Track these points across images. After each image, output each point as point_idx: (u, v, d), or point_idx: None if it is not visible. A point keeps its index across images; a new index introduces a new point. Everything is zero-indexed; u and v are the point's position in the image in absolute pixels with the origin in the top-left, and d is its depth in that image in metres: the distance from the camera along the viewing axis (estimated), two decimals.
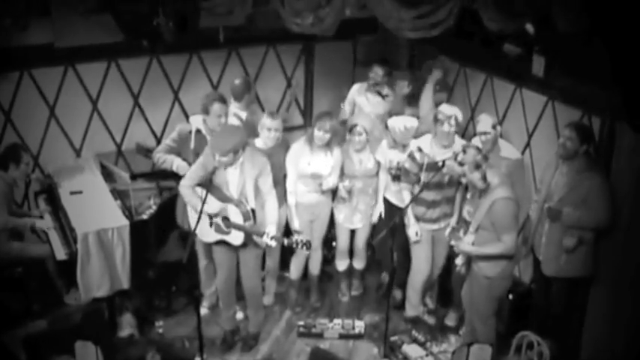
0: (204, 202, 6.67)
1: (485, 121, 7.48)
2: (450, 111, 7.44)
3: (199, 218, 6.60)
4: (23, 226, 7.85)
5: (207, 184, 6.79)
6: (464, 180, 7.04)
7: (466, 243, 6.91)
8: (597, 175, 6.76)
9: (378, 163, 8.01)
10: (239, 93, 8.31)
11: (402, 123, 7.83)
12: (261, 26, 8.55)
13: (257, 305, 7.81)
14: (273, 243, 6.94)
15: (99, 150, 8.99)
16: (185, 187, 7.12)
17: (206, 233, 7.26)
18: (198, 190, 7.10)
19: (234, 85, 8.38)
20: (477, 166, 6.66)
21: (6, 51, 7.76)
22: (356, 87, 9.11)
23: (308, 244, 6.95)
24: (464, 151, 6.81)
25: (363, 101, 8.91)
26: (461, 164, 6.78)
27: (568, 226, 6.85)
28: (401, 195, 7.83)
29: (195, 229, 6.56)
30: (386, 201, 8.17)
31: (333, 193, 8.16)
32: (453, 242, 7.16)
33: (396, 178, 7.91)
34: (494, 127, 7.44)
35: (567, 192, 6.88)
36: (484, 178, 6.66)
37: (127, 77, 8.94)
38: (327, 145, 7.83)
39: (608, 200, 6.69)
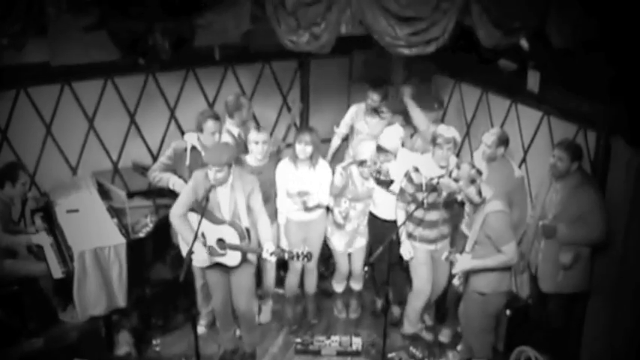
0: (198, 227, 6.64)
1: (489, 135, 7.51)
2: (449, 133, 7.42)
3: (194, 241, 6.57)
4: (19, 243, 7.82)
5: (203, 210, 6.74)
6: (459, 197, 7.06)
7: (464, 261, 6.90)
8: (591, 190, 6.78)
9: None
10: (231, 110, 8.31)
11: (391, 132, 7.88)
12: (257, 44, 8.57)
13: (251, 325, 7.74)
14: (273, 258, 6.94)
15: (95, 168, 9.00)
16: (176, 217, 7.03)
17: (199, 258, 7.17)
18: (191, 216, 7.06)
19: (226, 101, 8.40)
20: (472, 181, 6.67)
21: (2, 69, 7.78)
22: (353, 110, 9.13)
23: (309, 256, 6.86)
24: (458, 167, 6.83)
25: (362, 126, 8.95)
26: (456, 180, 6.80)
27: (563, 243, 6.86)
28: (394, 211, 7.83)
29: (190, 249, 6.52)
30: (378, 218, 8.15)
31: (327, 210, 8.11)
32: (454, 269, 7.11)
33: (377, 182, 7.92)
34: (498, 142, 7.45)
35: (562, 209, 6.89)
36: (479, 192, 6.67)
37: (123, 95, 8.96)
38: (311, 160, 7.82)
39: (602, 215, 6.70)
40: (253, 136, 7.71)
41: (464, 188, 6.73)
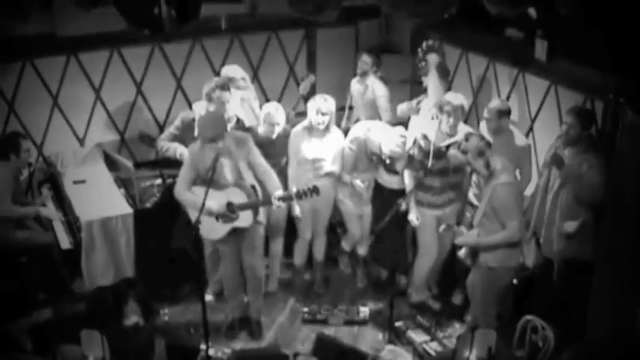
0: (205, 199, 6.65)
1: (488, 109, 7.49)
2: (457, 101, 7.41)
3: (202, 210, 6.59)
4: (27, 214, 7.83)
5: (210, 180, 6.74)
6: (469, 168, 7.06)
7: (466, 235, 6.91)
8: (596, 155, 6.77)
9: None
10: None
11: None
12: (264, 13, 8.54)
13: (259, 290, 7.80)
14: (283, 204, 7.01)
15: (102, 139, 9.02)
16: (181, 194, 7.07)
17: (212, 230, 7.19)
18: (196, 189, 7.06)
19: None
20: (480, 153, 6.65)
21: (8, 41, 7.76)
22: (353, 81, 9.19)
23: (316, 190, 6.97)
24: (466, 139, 6.81)
25: (356, 94, 9.04)
26: (464, 152, 6.78)
27: (565, 180, 6.84)
28: (403, 179, 7.83)
29: (198, 218, 6.53)
30: (384, 188, 8.15)
31: (337, 178, 8.11)
32: (457, 240, 7.14)
33: (385, 168, 7.98)
34: (498, 114, 7.43)
35: (567, 174, 6.89)
36: (487, 165, 6.66)
37: (129, 65, 8.95)
38: (326, 128, 7.82)
39: (601, 178, 6.68)
40: (271, 116, 7.70)
41: (472, 161, 6.71)
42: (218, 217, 7.06)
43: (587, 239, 6.99)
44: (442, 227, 7.28)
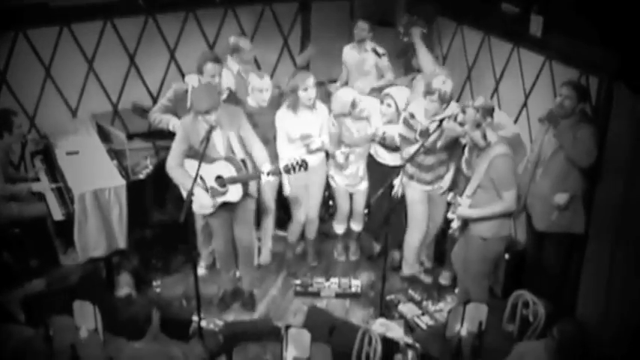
0: (198, 170, 6.63)
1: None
2: (447, 87, 7.31)
3: (194, 183, 6.55)
4: (19, 192, 7.78)
5: (203, 152, 6.73)
6: (464, 140, 7.05)
7: (465, 207, 6.92)
8: (591, 126, 6.78)
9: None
10: (231, 49, 8.39)
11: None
12: None
13: (250, 263, 7.82)
14: (271, 178, 6.97)
15: (95, 110, 9.00)
16: (173, 168, 7.05)
17: (203, 204, 7.19)
18: (187, 162, 7.05)
19: (229, 40, 8.47)
20: (477, 125, 6.66)
21: (0, 11, 7.70)
22: (347, 48, 9.20)
23: (305, 164, 6.89)
24: (463, 112, 6.80)
25: (351, 60, 9.01)
26: (461, 124, 6.78)
27: (559, 140, 6.86)
28: (393, 157, 7.87)
29: (190, 191, 6.51)
30: (377, 163, 8.15)
31: (327, 155, 8.12)
32: (451, 212, 7.13)
33: (383, 146, 7.96)
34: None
35: (558, 147, 6.91)
36: (484, 136, 6.67)
37: (122, 37, 8.90)
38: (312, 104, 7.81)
39: (594, 143, 6.69)
40: (257, 82, 7.66)
41: (469, 132, 6.71)
42: (208, 190, 7.06)
43: (579, 211, 7.02)
44: (450, 196, 7.26)
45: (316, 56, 9.67)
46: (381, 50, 8.88)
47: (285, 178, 7.80)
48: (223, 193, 7.10)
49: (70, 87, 8.84)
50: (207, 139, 6.77)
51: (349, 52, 9.14)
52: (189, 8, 9.11)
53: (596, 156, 6.72)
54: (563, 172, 6.98)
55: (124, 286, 7.78)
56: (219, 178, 7.02)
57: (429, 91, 7.31)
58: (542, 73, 7.85)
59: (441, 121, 7.31)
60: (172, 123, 7.71)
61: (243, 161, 7.07)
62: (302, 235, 8.62)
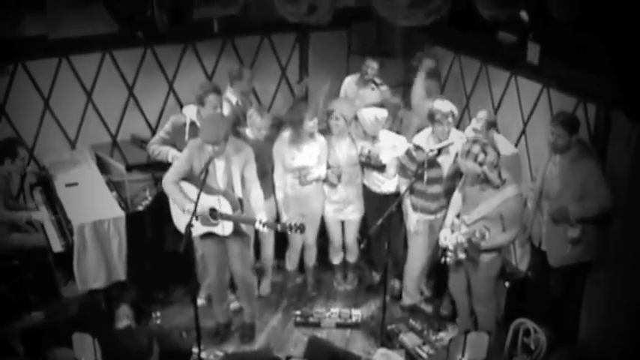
0: (197, 200, 6.59)
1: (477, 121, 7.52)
2: (447, 108, 7.39)
3: (193, 214, 6.54)
4: (19, 219, 7.82)
5: (202, 183, 6.68)
6: (480, 177, 7.04)
7: (479, 239, 6.88)
8: (591, 161, 6.75)
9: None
10: (232, 78, 8.42)
11: (372, 114, 7.82)
12: (256, 16, 8.53)
13: (250, 296, 7.78)
14: (266, 229, 6.87)
15: (94, 141, 9.01)
16: (170, 184, 7.01)
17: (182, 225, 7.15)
18: (184, 185, 7.05)
19: (229, 70, 8.53)
20: (496, 166, 6.69)
21: (0, 43, 7.74)
22: (348, 79, 9.19)
23: (302, 228, 6.80)
24: (484, 152, 6.72)
25: (352, 94, 8.99)
26: (481, 164, 6.74)
27: (577, 221, 6.82)
28: (389, 185, 7.95)
29: (190, 222, 6.48)
30: (373, 193, 8.14)
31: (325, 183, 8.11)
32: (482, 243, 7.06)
33: (365, 165, 7.97)
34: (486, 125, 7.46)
35: (564, 185, 6.86)
36: (499, 175, 6.71)
37: (121, 68, 8.94)
38: (311, 135, 7.82)
39: (605, 183, 6.67)
40: (258, 121, 7.65)
41: (488, 173, 6.71)
42: (198, 217, 6.97)
43: (591, 242, 6.98)
44: (477, 233, 7.03)
45: (314, 88, 9.68)
46: (379, 81, 8.90)
47: (281, 207, 7.84)
48: (213, 225, 7.07)
49: (69, 118, 8.86)
50: (207, 170, 6.75)
51: (351, 86, 9.14)
52: (188, 40, 9.15)
53: (612, 193, 6.68)
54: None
55: (124, 318, 7.73)
56: (213, 209, 6.99)
57: (432, 116, 7.36)
58: (540, 101, 7.86)
59: (440, 150, 7.33)
60: (172, 154, 7.71)
61: (240, 200, 7.05)
62: (302, 266, 8.60)
